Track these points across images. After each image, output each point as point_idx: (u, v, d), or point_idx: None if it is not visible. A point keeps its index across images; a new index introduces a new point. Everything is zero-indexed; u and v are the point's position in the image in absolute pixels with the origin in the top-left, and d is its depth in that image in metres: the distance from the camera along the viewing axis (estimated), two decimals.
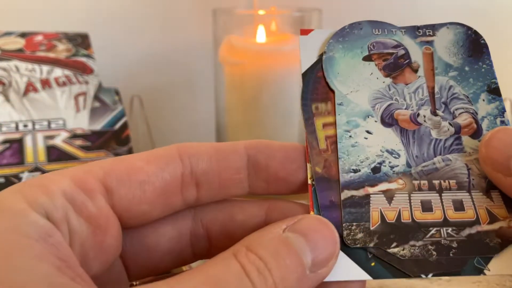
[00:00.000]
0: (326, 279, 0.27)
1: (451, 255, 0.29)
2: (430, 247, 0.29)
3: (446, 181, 0.31)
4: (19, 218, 0.23)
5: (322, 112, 0.31)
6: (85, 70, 0.70)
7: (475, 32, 0.35)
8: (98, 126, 0.66)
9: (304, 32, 0.34)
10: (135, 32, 0.89)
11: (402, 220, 0.30)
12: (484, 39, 0.35)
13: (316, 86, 0.32)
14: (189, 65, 0.91)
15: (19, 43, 0.72)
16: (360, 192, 0.30)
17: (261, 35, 0.74)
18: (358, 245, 0.29)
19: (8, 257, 0.22)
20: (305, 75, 0.33)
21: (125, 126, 0.67)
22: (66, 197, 0.25)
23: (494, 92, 0.34)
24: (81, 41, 0.74)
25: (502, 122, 0.33)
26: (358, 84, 0.33)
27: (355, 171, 0.30)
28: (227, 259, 0.24)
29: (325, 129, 0.31)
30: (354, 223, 0.29)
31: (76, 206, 0.25)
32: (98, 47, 0.75)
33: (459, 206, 0.30)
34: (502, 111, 0.33)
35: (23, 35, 0.73)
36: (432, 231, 0.29)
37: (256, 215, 0.31)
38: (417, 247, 0.29)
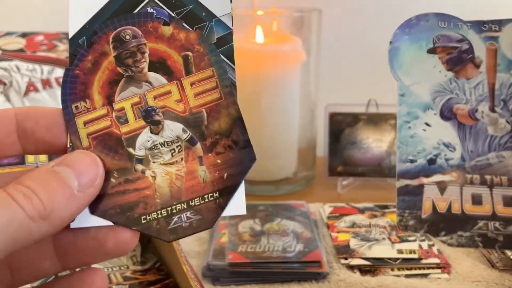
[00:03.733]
0: (75, 226, 0.29)
1: (496, 248, 0.30)
2: (476, 238, 0.31)
3: (498, 177, 0.32)
4: None
5: (82, 110, 0.31)
6: None
7: None
8: None
9: None
10: None
11: (452, 211, 0.31)
12: None
13: (74, 85, 0.32)
14: None
15: (20, 43, 0.70)
16: (415, 182, 0.31)
17: (260, 36, 0.73)
18: (409, 232, 0.30)
19: None
20: (66, 70, 0.32)
21: None
22: None
23: None
24: None
25: None
26: (421, 76, 0.33)
27: (411, 161, 0.32)
28: None
29: (87, 127, 0.31)
30: (407, 211, 0.31)
31: None
32: None
33: (508, 201, 0.31)
34: None
35: (24, 35, 0.72)
36: (480, 224, 0.31)
37: None
38: (464, 238, 0.31)
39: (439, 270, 0.50)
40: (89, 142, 0.31)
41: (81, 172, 0.28)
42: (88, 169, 0.29)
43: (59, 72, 0.68)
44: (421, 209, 0.30)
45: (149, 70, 0.32)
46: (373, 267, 0.52)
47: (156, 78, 0.32)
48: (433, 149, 0.32)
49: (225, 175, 0.30)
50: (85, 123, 0.31)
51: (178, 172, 0.31)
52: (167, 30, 0.32)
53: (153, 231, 0.30)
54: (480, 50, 0.34)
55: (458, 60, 0.34)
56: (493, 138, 0.32)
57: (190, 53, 0.32)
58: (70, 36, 0.32)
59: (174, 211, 0.30)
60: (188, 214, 0.30)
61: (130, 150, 0.31)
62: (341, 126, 0.79)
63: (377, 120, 0.77)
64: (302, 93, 0.76)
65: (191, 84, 0.31)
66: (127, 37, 0.32)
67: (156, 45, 0.32)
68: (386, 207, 0.66)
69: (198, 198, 0.30)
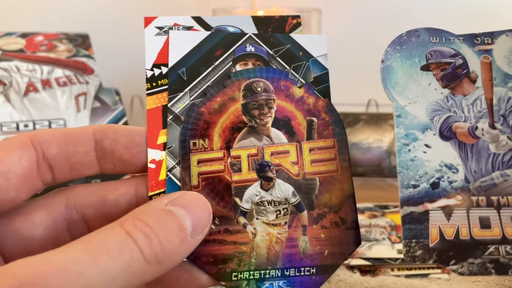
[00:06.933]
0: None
1: (510, 273, 0.28)
2: (488, 265, 0.28)
3: (505, 197, 0.30)
4: None
5: (199, 148, 0.30)
6: (85, 70, 0.68)
7: None
8: None
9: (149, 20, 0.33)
10: (135, 32, 0.87)
11: (460, 237, 0.29)
12: None
13: (197, 122, 0.31)
14: None
15: (20, 43, 0.69)
16: (419, 208, 0.29)
17: None
18: (418, 262, 0.28)
19: None
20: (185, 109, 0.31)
21: None
22: None
23: None
24: (81, 41, 0.72)
25: None
26: (416, 95, 0.31)
27: (414, 186, 0.30)
28: (113, 227, 0.24)
29: (200, 166, 0.30)
30: (414, 240, 0.29)
31: None
32: (98, 47, 0.73)
33: None
34: None
35: (23, 35, 0.70)
36: (491, 249, 0.29)
37: (127, 192, 0.31)
38: (475, 265, 0.28)
39: (439, 270, 0.49)
40: (198, 181, 0.30)
41: (196, 216, 0.27)
42: (202, 215, 0.27)
43: (59, 73, 0.66)
44: (428, 237, 0.28)
45: (272, 125, 0.31)
46: (373, 267, 0.50)
47: (277, 135, 0.31)
48: (435, 171, 0.30)
49: (326, 252, 0.29)
50: (199, 162, 0.30)
51: (280, 235, 0.29)
52: (298, 92, 0.31)
53: None
54: (475, 64, 0.32)
55: (453, 76, 0.32)
56: (495, 156, 0.30)
57: (315, 119, 0.31)
58: (169, 65, 0.31)
59: (267, 276, 0.29)
60: (281, 283, 0.29)
61: (237, 200, 0.30)
62: None
63: (377, 120, 0.76)
64: None
65: (310, 150, 0.30)
66: (259, 89, 0.31)
67: (284, 104, 0.31)
68: (386, 207, 0.65)
69: (294, 269, 0.29)
